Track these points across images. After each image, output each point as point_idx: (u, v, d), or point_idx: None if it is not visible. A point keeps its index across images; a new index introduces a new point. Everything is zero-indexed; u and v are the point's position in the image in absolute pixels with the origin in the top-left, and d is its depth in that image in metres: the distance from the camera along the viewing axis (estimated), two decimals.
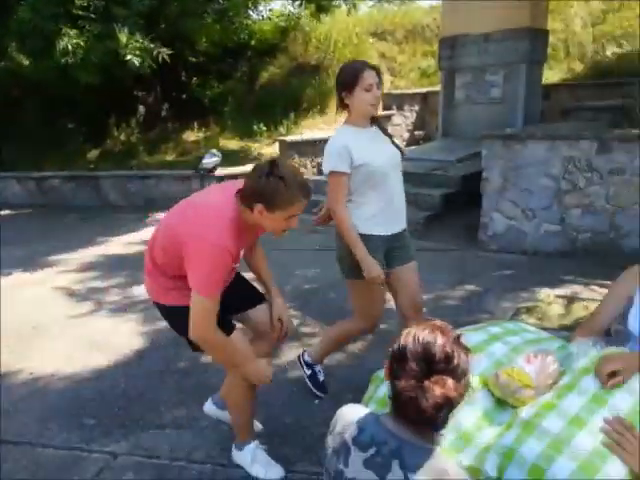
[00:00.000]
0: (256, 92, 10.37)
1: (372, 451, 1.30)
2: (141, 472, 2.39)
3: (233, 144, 9.09)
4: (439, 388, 1.21)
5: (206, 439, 2.60)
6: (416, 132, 9.96)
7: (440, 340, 1.27)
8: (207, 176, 7.57)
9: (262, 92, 10.33)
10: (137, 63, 6.31)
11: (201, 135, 9.48)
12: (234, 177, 7.82)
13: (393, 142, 2.64)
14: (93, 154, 9.19)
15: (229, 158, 8.35)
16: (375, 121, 2.60)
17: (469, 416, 1.64)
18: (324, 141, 9.17)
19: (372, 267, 2.49)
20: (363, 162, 2.47)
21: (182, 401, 2.93)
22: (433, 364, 1.25)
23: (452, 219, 6.18)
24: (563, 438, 1.47)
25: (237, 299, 2.26)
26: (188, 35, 8.14)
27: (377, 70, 2.48)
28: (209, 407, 2.61)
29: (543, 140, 5.03)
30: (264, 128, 9.18)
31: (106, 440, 2.63)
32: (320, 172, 7.96)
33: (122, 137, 9.42)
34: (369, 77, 2.43)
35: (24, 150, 8.88)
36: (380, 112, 9.65)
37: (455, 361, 1.26)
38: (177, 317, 2.11)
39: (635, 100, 6.17)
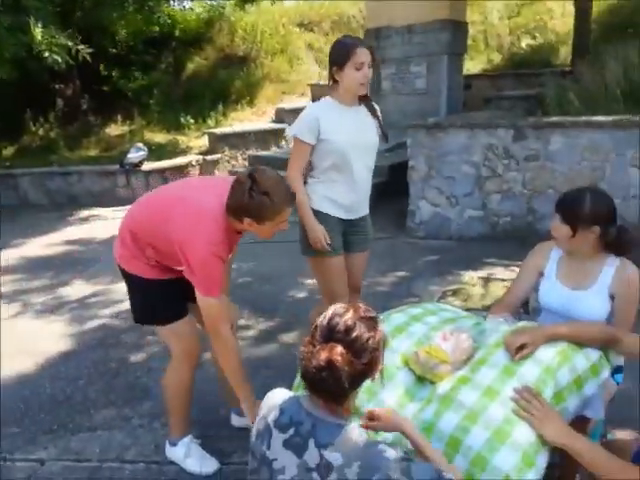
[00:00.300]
0: (182, 84, 10.16)
1: (291, 432, 1.34)
2: (71, 476, 2.33)
3: (160, 137, 8.86)
4: (325, 352, 1.27)
5: (139, 438, 2.57)
6: None
7: (347, 315, 1.34)
8: (133, 171, 7.35)
9: (189, 84, 10.13)
10: (59, 59, 5.97)
11: (126, 129, 9.18)
12: (162, 171, 7.66)
13: (380, 126, 2.58)
14: (9, 151, 8.70)
15: (156, 152, 8.16)
16: (364, 100, 2.55)
17: (391, 394, 1.72)
18: (254, 133, 9.08)
19: (315, 230, 2.51)
20: (325, 138, 2.46)
21: (112, 402, 2.87)
22: (332, 333, 1.31)
23: (382, 208, 6.29)
24: (477, 409, 1.57)
25: (191, 288, 2.20)
26: (107, 25, 7.83)
27: (370, 49, 2.42)
28: (235, 419, 2.58)
29: (463, 128, 5.24)
30: (192, 120, 9.01)
31: (32, 447, 2.54)
32: (250, 164, 7.94)
33: (40, 132, 8.97)
34: (361, 55, 2.37)
35: None
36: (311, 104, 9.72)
37: (354, 334, 1.31)
38: (135, 286, 2.21)
39: (547, 90, 6.51)
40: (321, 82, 10.10)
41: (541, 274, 2.34)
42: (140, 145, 7.49)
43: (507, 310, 2.34)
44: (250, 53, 10.64)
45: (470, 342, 1.80)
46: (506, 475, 1.45)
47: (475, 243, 5.31)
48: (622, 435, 2.32)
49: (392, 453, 1.28)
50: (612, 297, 2.15)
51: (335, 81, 2.47)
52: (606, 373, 1.76)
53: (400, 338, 1.90)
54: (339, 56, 2.41)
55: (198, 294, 2.00)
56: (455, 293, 4.18)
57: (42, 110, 9.02)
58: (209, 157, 8.20)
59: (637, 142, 4.66)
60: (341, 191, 2.56)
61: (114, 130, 9.21)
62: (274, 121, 9.25)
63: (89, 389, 3.01)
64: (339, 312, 1.36)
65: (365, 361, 1.32)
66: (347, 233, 2.69)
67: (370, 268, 4.71)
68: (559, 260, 2.30)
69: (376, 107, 2.64)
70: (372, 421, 1.47)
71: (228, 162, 8.45)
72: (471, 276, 4.41)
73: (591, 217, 2.06)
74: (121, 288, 4.43)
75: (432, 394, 1.68)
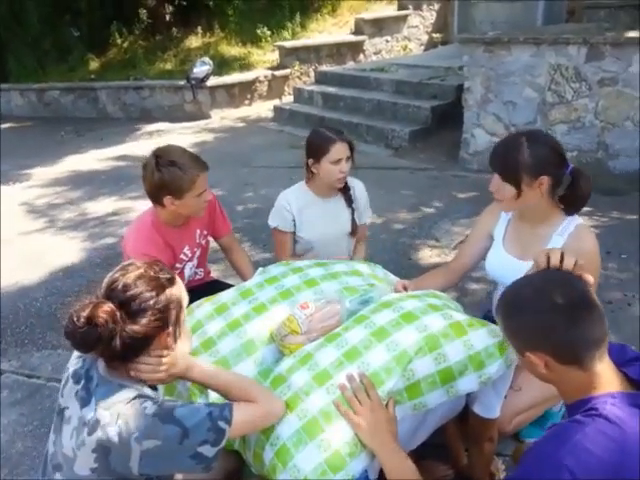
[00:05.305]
0: None
1: (81, 385, 1.30)
2: (15, 391, 2.50)
3: (236, 50, 8.68)
4: (88, 309, 1.19)
5: None
6: (434, 35, 9.19)
7: (132, 273, 1.27)
8: (199, 87, 7.33)
9: None
10: None
11: (205, 41, 9.09)
12: (229, 87, 7.57)
13: (353, 215, 2.44)
14: (96, 63, 9.03)
15: (227, 66, 8.03)
16: (342, 191, 2.41)
17: (249, 370, 1.56)
18: (328, 46, 8.55)
19: None
20: (302, 235, 2.41)
21: None
22: (109, 291, 1.25)
23: (440, 134, 5.79)
24: (301, 394, 1.37)
25: None
26: None
27: (350, 143, 2.28)
28: None
29: (527, 45, 4.51)
30: (268, 32, 8.68)
31: (2, 359, 2.73)
32: (317, 81, 7.56)
33: (125, 45, 9.18)
34: (339, 152, 2.23)
35: (28, 61, 8.84)
36: (395, 13, 8.91)
37: (130, 293, 1.24)
38: None
39: None
40: None
41: (492, 237, 1.99)
42: (205, 59, 7.39)
43: (445, 277, 2.04)
44: None
45: (337, 310, 1.56)
46: (305, 478, 1.27)
47: None
48: None
49: (152, 408, 1.22)
50: None
51: (311, 172, 2.34)
52: (494, 368, 1.45)
53: (281, 305, 1.70)
54: (315, 149, 2.28)
55: None
56: None
57: (127, 23, 9.16)
58: (278, 72, 7.94)
59: None
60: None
61: (194, 42, 9.17)
62: (353, 33, 8.65)
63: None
64: (124, 269, 1.29)
65: (144, 322, 1.24)
66: None
67: (398, 202, 4.41)
68: (508, 223, 1.93)
69: (357, 193, 2.46)
70: None
71: (299, 78, 8.13)
72: None
73: (535, 165, 1.67)
74: (143, 205, 4.56)
75: (271, 371, 1.51)
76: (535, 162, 1.65)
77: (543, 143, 1.69)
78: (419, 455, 1.45)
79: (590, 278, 1.11)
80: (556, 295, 1.05)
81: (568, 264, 1.10)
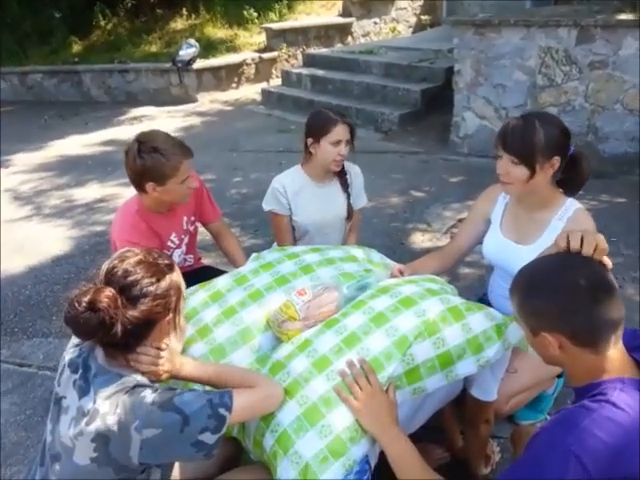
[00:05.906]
0: None
1: (79, 374, 1.28)
2: (6, 380, 2.47)
3: (222, 33, 8.54)
4: (89, 294, 1.17)
5: None
6: (423, 17, 9.12)
7: (131, 259, 1.27)
8: (185, 70, 7.21)
9: None
10: None
11: (191, 22, 8.93)
12: (215, 70, 7.46)
13: (348, 199, 2.42)
14: (79, 46, 8.84)
15: (213, 49, 7.91)
16: (338, 175, 2.39)
17: (246, 357, 1.54)
18: (316, 28, 8.40)
19: None
20: (297, 219, 2.38)
21: None
22: (109, 277, 1.24)
23: (430, 118, 5.77)
24: (300, 381, 1.37)
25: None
26: None
27: (351, 126, 2.26)
28: None
29: (517, 27, 4.48)
30: (254, 14, 8.55)
31: None
32: (305, 64, 7.48)
33: (109, 27, 8.98)
34: (339, 132, 2.22)
35: (9, 44, 8.62)
36: None
37: (130, 279, 1.23)
38: None
39: None
40: None
41: (489, 221, 1.98)
42: (191, 41, 7.27)
43: (440, 261, 2.03)
44: None
45: (334, 296, 1.55)
46: (306, 463, 1.27)
47: None
48: None
49: (151, 397, 1.21)
50: None
51: (309, 153, 2.31)
52: (492, 351, 1.45)
53: (277, 292, 1.68)
54: (316, 129, 2.25)
55: None
56: None
57: (111, 4, 8.95)
58: (265, 55, 7.83)
59: None
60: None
61: (179, 24, 9.00)
62: (341, 15, 8.55)
63: (61, 294, 3.11)
64: (123, 256, 1.28)
65: (145, 308, 1.23)
66: None
67: (388, 186, 4.39)
68: (505, 207, 1.92)
69: (353, 178, 2.44)
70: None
71: (287, 61, 8.04)
72: None
73: (549, 146, 1.68)
74: (130, 192, 4.48)
75: (268, 358, 1.50)
76: (549, 143, 1.66)
77: (554, 124, 1.70)
78: (415, 438, 1.46)
79: (609, 262, 1.11)
80: (578, 276, 1.04)
81: (588, 247, 1.10)
